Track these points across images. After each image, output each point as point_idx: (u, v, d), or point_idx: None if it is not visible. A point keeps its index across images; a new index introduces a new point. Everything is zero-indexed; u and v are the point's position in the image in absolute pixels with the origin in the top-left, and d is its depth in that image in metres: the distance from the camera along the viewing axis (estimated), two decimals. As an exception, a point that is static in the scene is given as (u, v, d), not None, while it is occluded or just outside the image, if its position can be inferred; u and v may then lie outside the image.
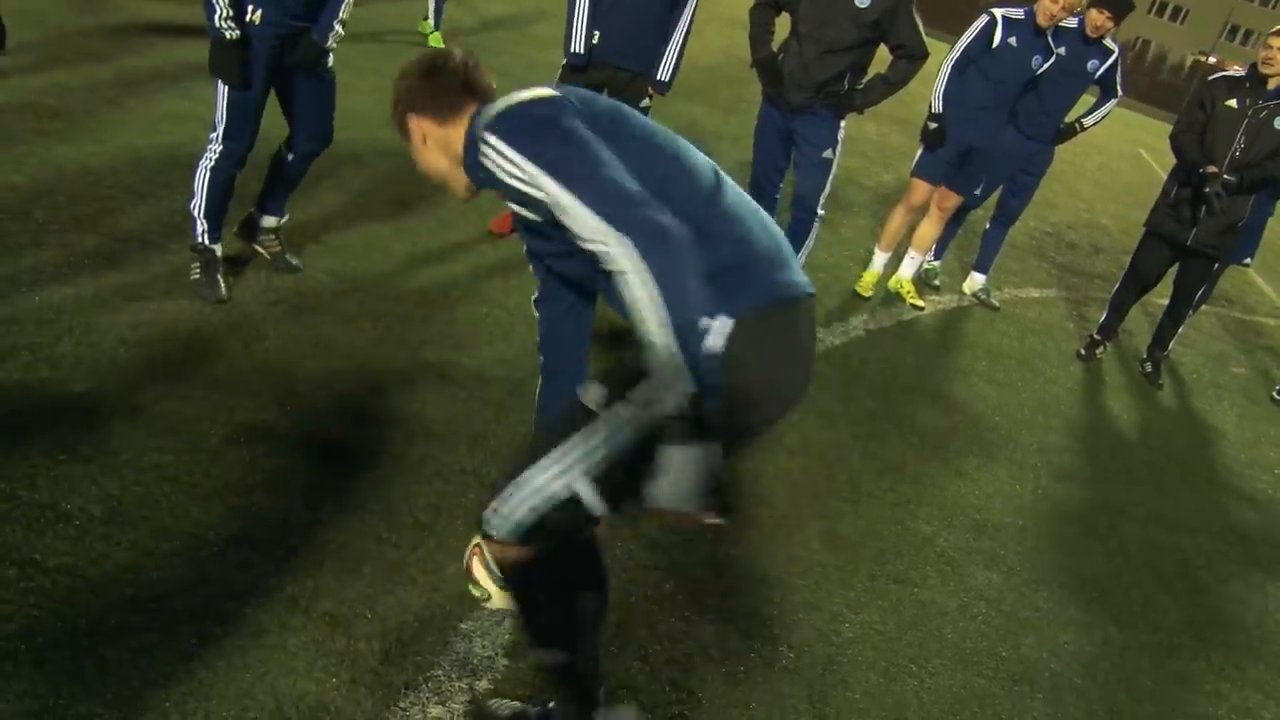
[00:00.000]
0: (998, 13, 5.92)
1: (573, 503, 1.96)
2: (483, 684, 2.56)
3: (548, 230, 1.97)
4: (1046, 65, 5.90)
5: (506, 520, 2.02)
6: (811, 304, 2.05)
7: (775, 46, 5.20)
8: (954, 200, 6.34)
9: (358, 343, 3.92)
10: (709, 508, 1.80)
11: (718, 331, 1.85)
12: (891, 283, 6.59)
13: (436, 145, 2.16)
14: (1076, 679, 3.37)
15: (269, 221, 4.32)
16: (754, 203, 2.09)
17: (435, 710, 2.45)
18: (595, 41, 4.88)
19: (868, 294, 6.30)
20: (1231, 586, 4.32)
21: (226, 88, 3.74)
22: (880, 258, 6.46)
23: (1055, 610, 3.72)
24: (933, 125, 6.00)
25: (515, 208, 2.01)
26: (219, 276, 3.96)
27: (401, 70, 2.18)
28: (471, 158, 2.03)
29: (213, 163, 3.86)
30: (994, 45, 5.86)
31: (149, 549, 2.63)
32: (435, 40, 9.14)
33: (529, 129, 1.90)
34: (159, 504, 2.79)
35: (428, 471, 3.29)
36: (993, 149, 6.13)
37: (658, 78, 4.99)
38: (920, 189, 6.26)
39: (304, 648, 2.49)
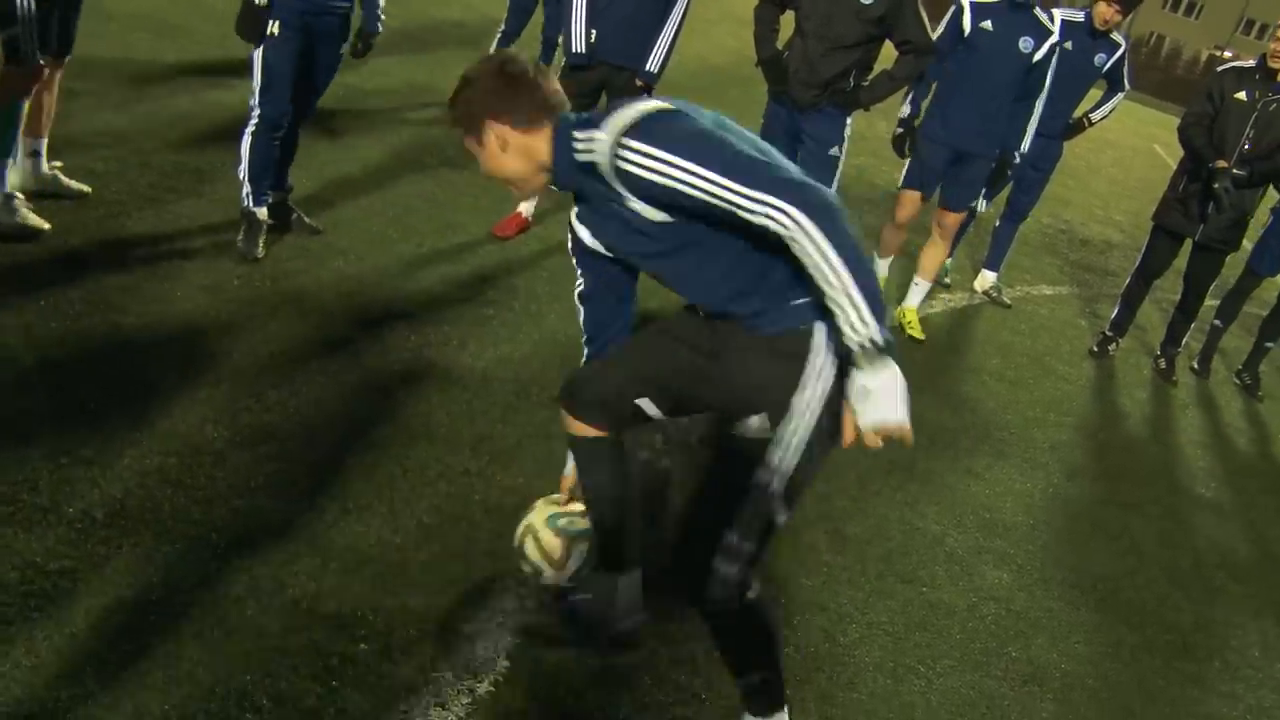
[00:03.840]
0: (965, 0, 5.37)
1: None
2: (484, 686, 2.54)
3: (655, 229, 2.15)
4: (1044, 49, 5.25)
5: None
6: None
7: (781, 44, 5.17)
8: (954, 219, 5.76)
9: (362, 344, 3.92)
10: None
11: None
12: (896, 312, 5.91)
13: (517, 151, 2.22)
14: (1088, 680, 3.34)
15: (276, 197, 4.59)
16: None
17: (436, 713, 2.43)
18: (593, 40, 4.88)
19: None
20: (1247, 585, 4.28)
21: (261, 57, 4.08)
22: (882, 264, 6.02)
23: (1066, 610, 3.68)
24: (898, 131, 5.60)
25: (641, 207, 2.12)
26: (259, 239, 4.33)
27: (471, 74, 2.22)
28: (566, 161, 2.17)
29: (253, 128, 4.21)
30: (966, 35, 5.30)
31: (150, 552, 2.62)
32: None
33: (677, 134, 2.05)
34: (161, 507, 2.78)
35: (431, 473, 3.28)
36: (988, 155, 5.49)
37: (646, 68, 4.98)
38: (908, 201, 5.69)
39: (306, 649, 2.48)
